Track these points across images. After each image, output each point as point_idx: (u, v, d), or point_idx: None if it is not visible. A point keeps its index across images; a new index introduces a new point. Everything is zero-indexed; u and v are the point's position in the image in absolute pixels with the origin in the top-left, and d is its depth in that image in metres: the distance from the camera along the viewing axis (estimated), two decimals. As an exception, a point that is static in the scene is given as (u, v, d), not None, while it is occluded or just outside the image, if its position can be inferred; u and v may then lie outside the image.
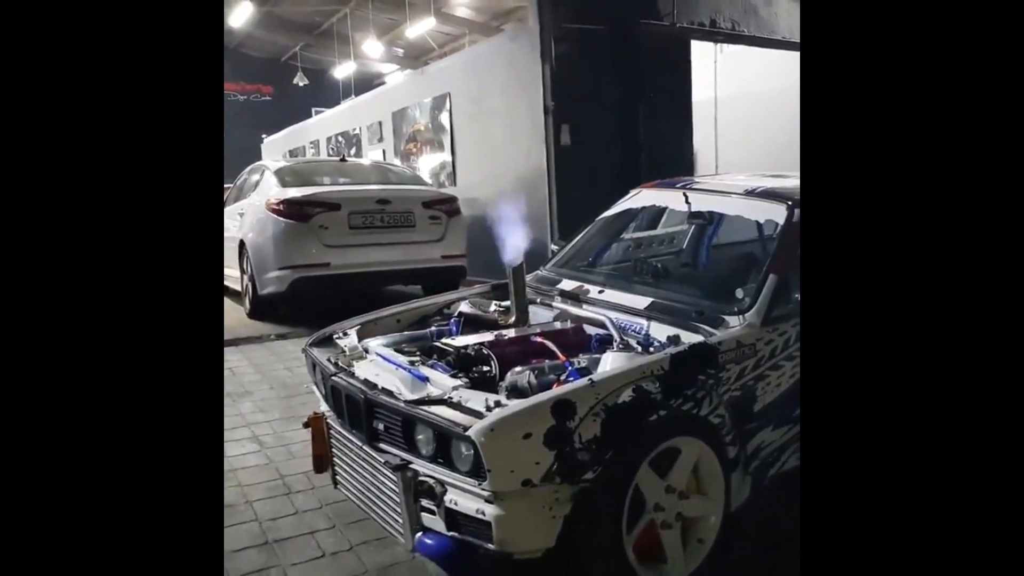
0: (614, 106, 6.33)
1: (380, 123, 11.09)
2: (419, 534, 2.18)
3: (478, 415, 2.05)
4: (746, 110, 7.70)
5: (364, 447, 2.37)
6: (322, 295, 6.24)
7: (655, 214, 3.79)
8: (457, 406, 2.15)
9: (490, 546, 2.03)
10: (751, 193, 2.85)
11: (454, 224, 6.53)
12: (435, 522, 2.15)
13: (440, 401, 2.19)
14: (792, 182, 2.95)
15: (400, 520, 2.23)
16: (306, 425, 2.66)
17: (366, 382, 2.39)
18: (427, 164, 9.52)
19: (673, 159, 5.94)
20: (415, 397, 2.23)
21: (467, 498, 2.06)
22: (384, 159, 10.56)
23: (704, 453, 2.21)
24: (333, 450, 2.64)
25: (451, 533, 2.11)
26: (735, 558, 2.26)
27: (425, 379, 2.32)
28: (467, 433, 1.97)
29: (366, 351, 2.68)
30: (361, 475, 2.44)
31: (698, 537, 2.22)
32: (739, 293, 2.53)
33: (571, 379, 2.26)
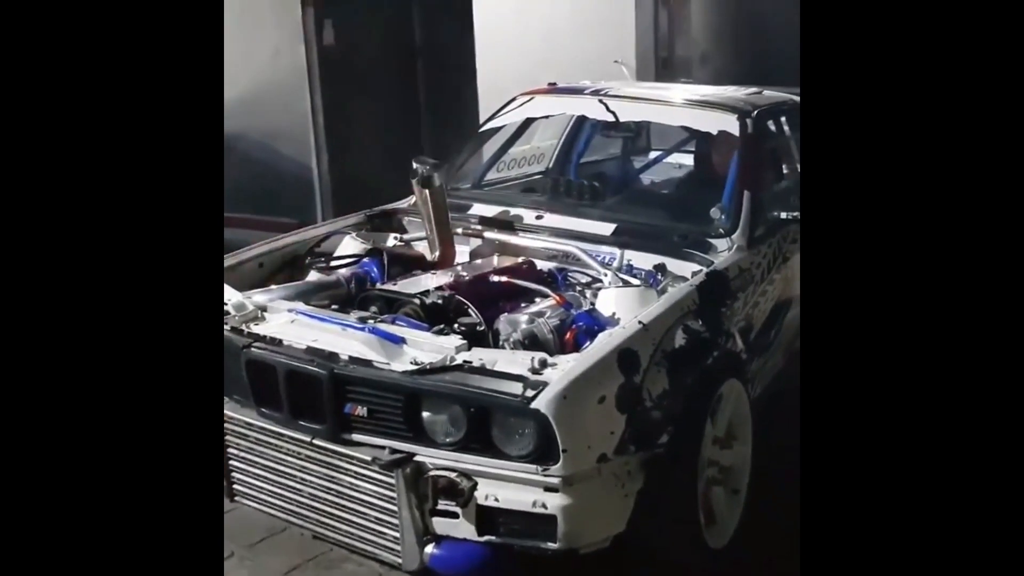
0: (385, 1, 5.79)
1: None
2: (429, 546, 1.77)
3: (520, 380, 1.68)
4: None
5: (314, 441, 1.84)
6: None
7: (518, 127, 3.49)
8: (482, 371, 1.73)
9: (550, 545, 1.70)
10: (694, 102, 2.72)
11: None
12: (456, 527, 1.75)
13: (447, 368, 1.76)
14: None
15: (396, 532, 1.78)
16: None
17: (313, 351, 1.84)
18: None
19: (456, 66, 5.60)
20: (408, 367, 1.76)
21: (514, 490, 1.69)
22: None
23: (740, 394, 2.08)
24: (230, 450, 2.03)
25: (485, 538, 1.74)
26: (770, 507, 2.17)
27: (401, 340, 1.85)
28: (533, 406, 1.60)
29: (262, 310, 2.08)
30: (302, 480, 1.90)
31: (733, 488, 2.10)
32: (714, 213, 2.41)
33: (581, 323, 1.97)
